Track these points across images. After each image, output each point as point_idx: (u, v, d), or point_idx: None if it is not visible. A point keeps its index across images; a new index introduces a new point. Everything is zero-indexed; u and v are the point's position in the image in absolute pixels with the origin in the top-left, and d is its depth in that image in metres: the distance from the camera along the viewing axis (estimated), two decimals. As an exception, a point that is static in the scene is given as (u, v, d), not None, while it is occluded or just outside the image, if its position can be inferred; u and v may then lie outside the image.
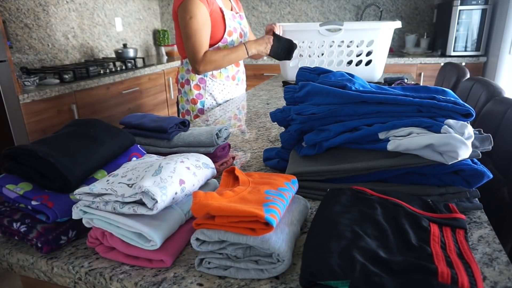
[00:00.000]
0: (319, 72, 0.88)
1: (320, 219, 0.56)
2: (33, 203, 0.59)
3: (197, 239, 0.53)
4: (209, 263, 0.53)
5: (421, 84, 3.14)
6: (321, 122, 0.78)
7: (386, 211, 0.58)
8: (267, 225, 0.49)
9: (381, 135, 0.70)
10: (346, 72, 0.85)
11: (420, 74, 3.21)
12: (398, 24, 1.75)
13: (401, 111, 0.71)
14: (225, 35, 1.62)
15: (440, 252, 0.48)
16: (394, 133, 0.69)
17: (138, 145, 0.78)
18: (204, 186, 0.68)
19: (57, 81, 2.46)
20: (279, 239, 0.51)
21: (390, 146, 0.68)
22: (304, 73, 0.90)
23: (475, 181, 0.66)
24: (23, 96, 2.13)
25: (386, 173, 0.70)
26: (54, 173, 0.61)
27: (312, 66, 0.93)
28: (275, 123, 1.09)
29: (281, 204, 0.54)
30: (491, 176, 0.65)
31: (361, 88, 0.78)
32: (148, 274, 0.54)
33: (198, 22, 1.50)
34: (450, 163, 0.64)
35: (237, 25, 1.68)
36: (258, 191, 0.57)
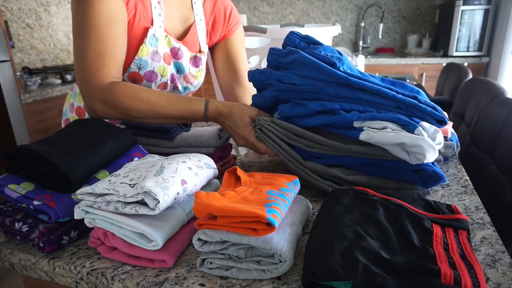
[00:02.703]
0: (310, 42, 0.82)
1: (322, 220, 0.56)
2: (35, 203, 0.59)
3: (199, 239, 0.53)
4: (211, 263, 0.53)
5: (423, 85, 3.14)
6: (299, 96, 0.74)
7: (388, 211, 0.58)
8: (269, 226, 0.49)
9: (356, 124, 0.69)
10: (336, 50, 0.80)
11: (422, 75, 3.21)
12: (336, 29, 1.33)
13: (381, 103, 0.70)
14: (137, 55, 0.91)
15: (442, 253, 0.48)
16: (369, 124, 0.68)
17: (140, 145, 0.78)
18: (206, 187, 0.68)
19: (59, 81, 2.47)
20: (281, 240, 0.51)
21: (362, 136, 0.67)
22: (294, 38, 0.82)
23: (431, 182, 0.69)
24: (24, 96, 2.13)
25: (351, 159, 0.71)
26: (56, 173, 0.61)
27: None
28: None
29: (283, 205, 0.54)
30: (447, 180, 0.70)
31: (348, 71, 0.75)
32: (150, 274, 0.54)
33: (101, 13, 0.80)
34: (414, 164, 0.66)
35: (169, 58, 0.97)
36: (260, 191, 0.57)
